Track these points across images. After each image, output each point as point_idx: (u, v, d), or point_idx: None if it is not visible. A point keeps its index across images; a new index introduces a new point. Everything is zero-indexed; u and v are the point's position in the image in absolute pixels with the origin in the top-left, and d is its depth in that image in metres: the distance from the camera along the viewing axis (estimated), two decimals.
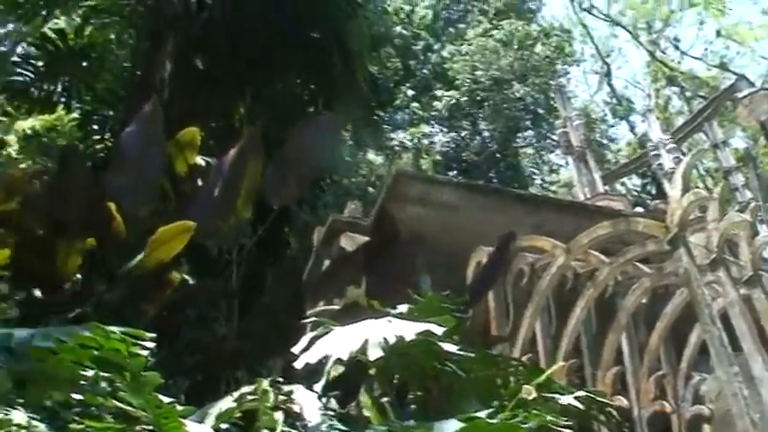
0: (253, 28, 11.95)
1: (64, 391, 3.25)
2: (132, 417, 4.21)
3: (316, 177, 8.42)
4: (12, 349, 2.82)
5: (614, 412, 5.28)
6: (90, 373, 2.96)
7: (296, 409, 4.45)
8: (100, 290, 6.93)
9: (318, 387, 4.68)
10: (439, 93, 35.85)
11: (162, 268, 6.89)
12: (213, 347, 7.40)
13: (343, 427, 4.20)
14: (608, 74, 46.79)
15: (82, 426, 3.75)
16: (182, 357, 6.57)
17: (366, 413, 5.67)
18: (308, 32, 13.14)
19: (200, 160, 7.89)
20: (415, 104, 36.04)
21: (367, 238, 8.61)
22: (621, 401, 10.89)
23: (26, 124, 17.74)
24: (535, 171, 38.63)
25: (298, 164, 7.82)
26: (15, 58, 14.64)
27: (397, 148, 34.01)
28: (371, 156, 30.83)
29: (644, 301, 11.64)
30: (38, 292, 7.14)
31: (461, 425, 2.80)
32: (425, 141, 35.99)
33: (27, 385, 3.10)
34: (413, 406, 5.49)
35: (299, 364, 4.47)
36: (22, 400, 5.44)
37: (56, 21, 14.12)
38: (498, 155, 35.58)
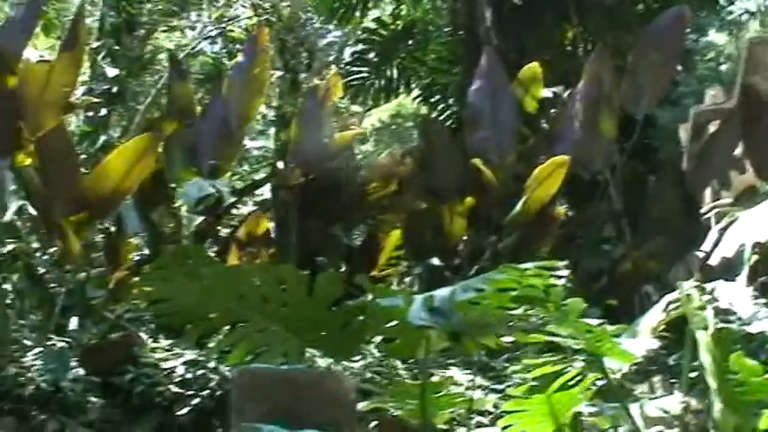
0: None
1: (493, 337, 3.33)
2: (561, 347, 4.22)
3: (670, 76, 8.04)
4: (437, 309, 2.94)
5: None
6: (518, 311, 3.00)
7: (722, 305, 4.22)
8: (491, 243, 7.12)
9: (741, 278, 4.40)
10: None
11: (544, 207, 6.94)
12: (614, 270, 7.31)
13: None
14: None
15: (519, 367, 3.83)
16: (588, 287, 6.53)
17: None
18: None
19: (547, 93, 7.84)
20: None
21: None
22: None
23: (372, 120, 18.70)
24: None
25: (650, 68, 7.54)
26: (348, 59, 15.50)
27: (742, 18, 31.42)
28: (713, 37, 28.84)
29: None
30: (435, 261, 7.49)
31: None
32: None
33: (460, 340, 3.21)
34: None
35: (713, 260, 4.25)
36: (451, 361, 5.74)
37: (370, 13, 14.70)
38: None
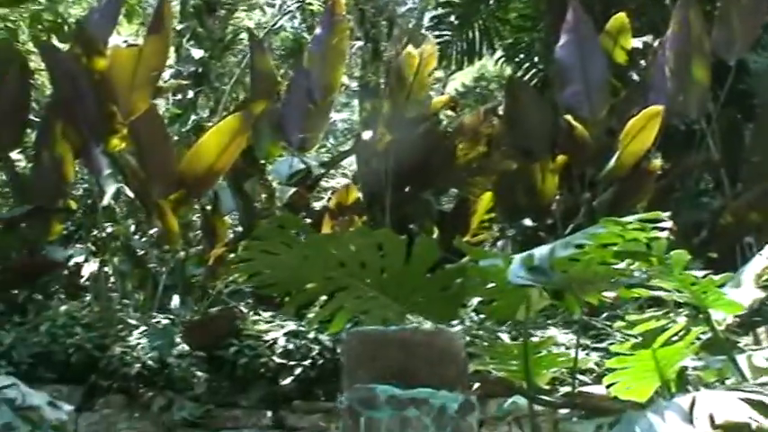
0: None
1: (596, 293, 3.27)
2: (663, 302, 4.14)
3: (761, 20, 7.74)
4: (537, 267, 2.89)
5: None
6: (621, 265, 2.93)
7: None
8: (585, 200, 7.00)
9: None
10: None
11: (639, 160, 6.80)
12: (714, 222, 7.12)
13: None
14: None
15: (622, 323, 3.76)
16: (688, 241, 6.37)
17: None
18: None
19: (636, 43, 7.64)
20: None
21: None
22: None
23: (456, 84, 18.53)
24: None
25: (740, 13, 7.29)
26: (428, 24, 15.33)
27: None
28: None
29: None
30: (528, 222, 7.41)
31: None
32: None
33: (562, 297, 3.17)
34: None
35: None
36: (550, 322, 5.69)
37: None
38: None
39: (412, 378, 1.76)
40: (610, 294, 3.65)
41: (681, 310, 4.31)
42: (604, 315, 5.76)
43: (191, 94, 10.91)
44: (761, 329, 5.58)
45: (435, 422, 1.75)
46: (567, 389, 4.29)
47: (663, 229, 2.95)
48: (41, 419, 3.11)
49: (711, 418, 2.50)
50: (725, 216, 7.08)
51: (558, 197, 7.23)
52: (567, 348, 4.68)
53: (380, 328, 1.86)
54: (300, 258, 3.17)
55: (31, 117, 7.24)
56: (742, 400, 2.53)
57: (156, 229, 6.91)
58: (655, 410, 2.66)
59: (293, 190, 7.04)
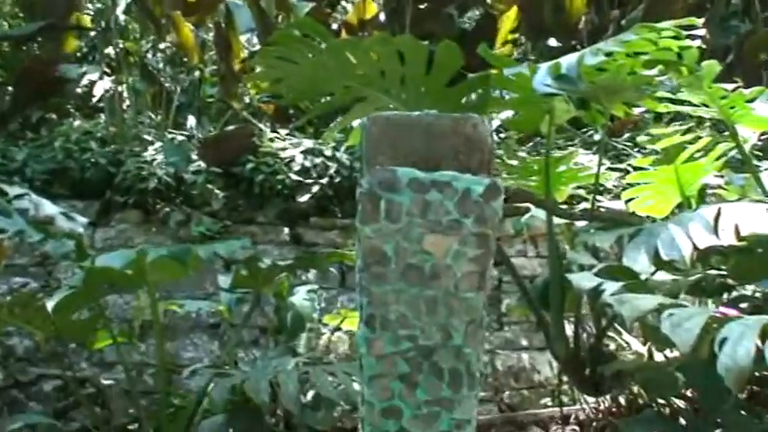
0: None
1: (622, 105, 3.16)
2: (689, 120, 4.04)
3: None
4: (564, 75, 2.78)
5: None
6: (651, 72, 2.81)
7: None
8: (613, 19, 6.79)
9: None
10: None
11: None
12: (741, 46, 6.91)
13: None
14: None
15: (645, 138, 3.70)
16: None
17: None
18: None
19: None
20: None
21: None
22: None
23: None
24: None
25: None
26: None
27: None
28: None
29: None
30: (553, 42, 7.22)
31: None
32: None
33: (588, 107, 3.07)
34: None
35: None
36: (570, 143, 5.62)
37: None
38: None
39: (435, 165, 1.68)
40: (635, 110, 3.56)
41: (704, 127, 4.24)
42: (626, 136, 5.69)
43: None
44: None
45: (458, 207, 1.68)
46: (586, 205, 4.27)
47: (696, 38, 2.83)
48: (55, 230, 3.08)
49: (737, 229, 2.45)
50: (752, 40, 6.86)
51: (585, 16, 7.01)
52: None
53: (403, 113, 1.76)
54: (318, 66, 3.06)
55: None
56: None
57: (168, 45, 6.75)
58: (677, 221, 2.61)
59: (311, 4, 6.81)
